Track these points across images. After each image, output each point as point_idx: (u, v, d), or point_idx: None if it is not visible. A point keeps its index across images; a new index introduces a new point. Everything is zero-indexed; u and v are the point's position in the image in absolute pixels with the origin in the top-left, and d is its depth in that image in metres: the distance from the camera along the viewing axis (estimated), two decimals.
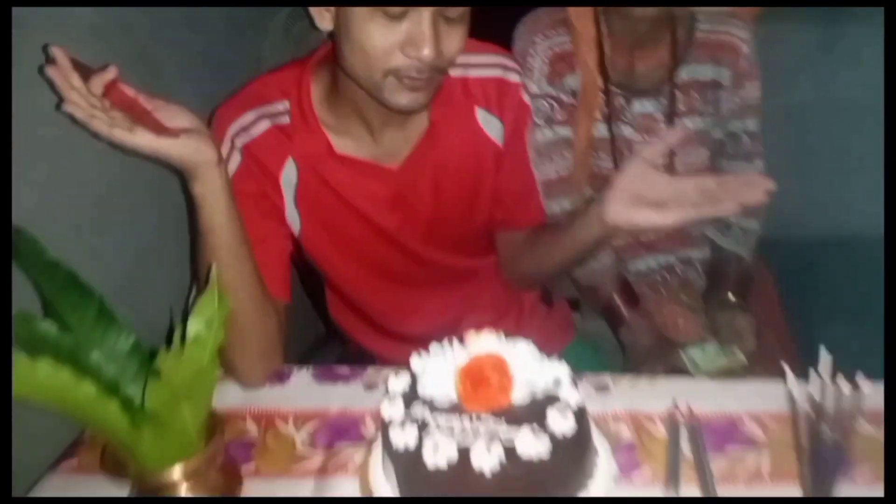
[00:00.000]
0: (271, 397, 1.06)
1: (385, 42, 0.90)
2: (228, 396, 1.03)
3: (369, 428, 0.98)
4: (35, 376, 0.60)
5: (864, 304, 1.98)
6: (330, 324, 1.45)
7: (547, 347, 0.86)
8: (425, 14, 0.88)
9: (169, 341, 0.68)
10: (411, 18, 0.89)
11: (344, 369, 1.11)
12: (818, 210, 2.46)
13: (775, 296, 1.54)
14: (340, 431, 0.98)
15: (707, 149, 1.34)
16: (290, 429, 1.00)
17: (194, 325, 0.66)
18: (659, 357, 1.29)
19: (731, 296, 1.35)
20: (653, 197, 0.95)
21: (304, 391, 1.07)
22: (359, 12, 0.89)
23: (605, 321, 1.41)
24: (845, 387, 0.64)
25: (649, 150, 0.97)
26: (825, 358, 0.66)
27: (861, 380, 0.64)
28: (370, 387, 1.06)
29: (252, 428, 1.00)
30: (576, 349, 1.44)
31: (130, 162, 1.11)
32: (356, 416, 1.01)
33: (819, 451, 0.71)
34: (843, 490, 0.78)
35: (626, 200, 0.97)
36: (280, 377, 1.09)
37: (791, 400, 0.74)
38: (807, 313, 1.88)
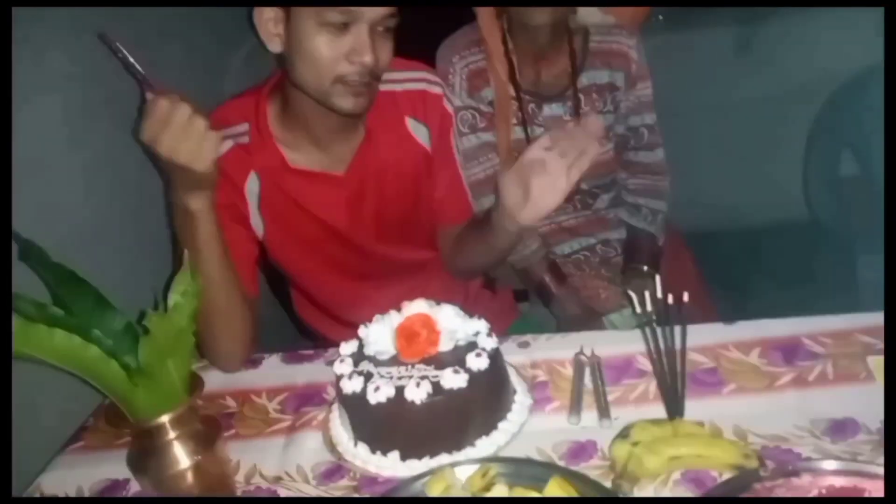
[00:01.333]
0: (247, 379, 1.23)
1: (332, 52, 1.09)
2: (210, 381, 1.19)
3: (331, 394, 1.16)
4: (52, 341, 0.78)
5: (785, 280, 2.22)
6: (298, 323, 1.63)
7: (493, 327, 1.05)
8: (364, 27, 1.08)
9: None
10: (352, 31, 1.08)
11: (308, 351, 1.29)
12: (739, 201, 2.67)
13: (693, 267, 1.74)
14: (306, 399, 1.16)
15: (611, 143, 1.55)
16: (264, 400, 1.17)
17: (174, 296, 0.84)
18: (585, 324, 1.48)
19: (644, 267, 1.55)
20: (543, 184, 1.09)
21: (274, 371, 1.25)
22: (308, 30, 1.08)
23: (539, 299, 1.61)
24: (670, 299, 0.83)
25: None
26: (659, 282, 0.85)
27: (685, 295, 0.83)
28: (331, 363, 1.22)
29: (231, 403, 1.18)
30: (519, 326, 1.63)
31: (117, 184, 1.32)
32: (319, 386, 1.18)
33: (663, 375, 0.89)
34: (705, 403, 0.98)
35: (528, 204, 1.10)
36: (254, 363, 1.27)
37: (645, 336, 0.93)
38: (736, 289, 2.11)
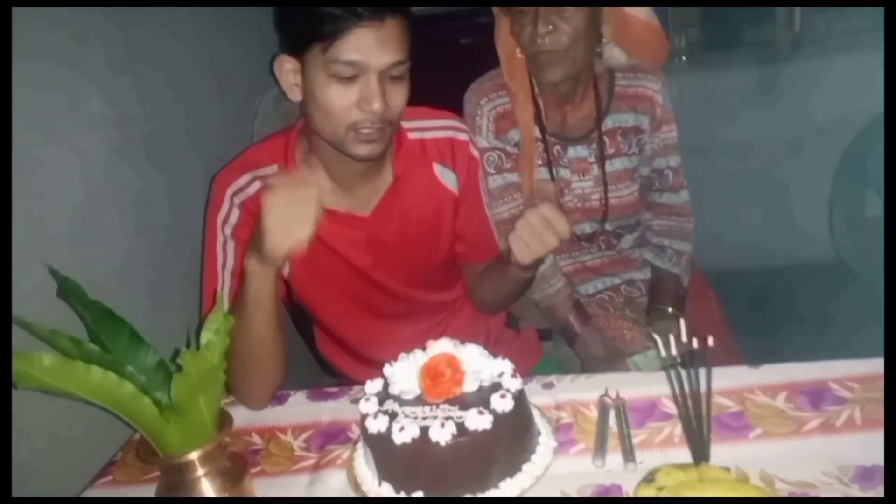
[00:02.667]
0: (272, 416, 1.25)
1: (343, 101, 1.13)
2: (237, 417, 1.20)
3: (355, 432, 1.17)
4: (88, 378, 0.80)
5: (812, 320, 2.20)
6: (320, 359, 1.64)
7: (516, 367, 1.05)
8: (372, 76, 1.11)
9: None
10: (361, 80, 1.12)
11: (333, 389, 1.30)
12: (763, 241, 2.67)
13: (718, 309, 1.73)
14: (330, 436, 1.17)
15: (636, 184, 1.56)
16: (289, 437, 1.18)
17: (206, 334, 0.86)
18: (609, 365, 1.48)
19: (669, 308, 1.55)
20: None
21: (299, 409, 1.26)
22: (319, 81, 1.12)
23: (563, 338, 1.61)
24: (695, 343, 0.83)
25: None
26: (684, 325, 0.85)
27: (710, 338, 0.84)
28: (355, 401, 1.24)
29: (257, 440, 1.19)
30: (543, 367, 1.62)
31: (147, 223, 1.36)
32: (344, 424, 1.19)
33: (688, 419, 0.89)
34: (732, 447, 0.98)
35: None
36: (279, 399, 1.28)
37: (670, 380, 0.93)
38: (760, 330, 2.09)
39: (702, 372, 0.94)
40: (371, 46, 1.09)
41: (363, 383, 1.25)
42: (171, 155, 1.56)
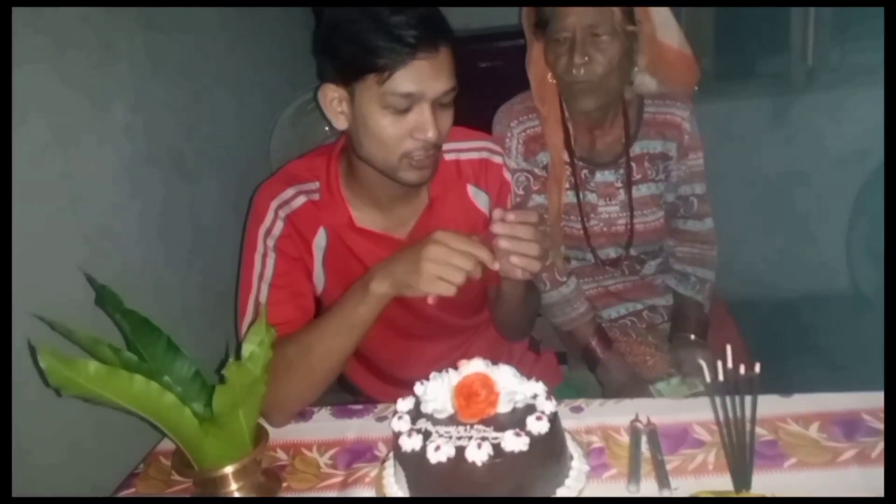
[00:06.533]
0: (297, 431, 1.23)
1: (397, 131, 1.12)
2: None
3: (382, 451, 1.16)
4: (132, 388, 0.80)
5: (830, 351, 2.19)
6: (339, 377, 1.63)
7: None
8: (426, 105, 1.11)
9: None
10: (415, 110, 1.12)
11: (357, 406, 1.29)
12: (780, 271, 2.66)
13: (738, 338, 1.72)
14: (357, 454, 1.16)
15: (662, 210, 1.57)
16: (315, 454, 1.17)
17: (248, 346, 0.86)
18: (631, 391, 1.47)
19: (692, 336, 1.55)
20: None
21: (324, 425, 1.25)
22: (372, 111, 1.11)
23: (585, 363, 1.60)
24: (741, 370, 0.83)
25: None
26: (728, 351, 0.85)
27: (756, 365, 0.84)
28: (381, 419, 1.24)
29: (282, 456, 1.18)
30: (562, 391, 1.62)
31: (168, 229, 1.36)
32: (370, 442, 1.18)
33: (732, 446, 0.89)
34: (768, 477, 0.98)
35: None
36: (304, 416, 1.27)
37: (714, 406, 0.93)
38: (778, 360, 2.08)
39: (736, 399, 0.94)
40: (426, 77, 1.09)
41: (381, 401, 1.24)
42: (190, 165, 1.57)
